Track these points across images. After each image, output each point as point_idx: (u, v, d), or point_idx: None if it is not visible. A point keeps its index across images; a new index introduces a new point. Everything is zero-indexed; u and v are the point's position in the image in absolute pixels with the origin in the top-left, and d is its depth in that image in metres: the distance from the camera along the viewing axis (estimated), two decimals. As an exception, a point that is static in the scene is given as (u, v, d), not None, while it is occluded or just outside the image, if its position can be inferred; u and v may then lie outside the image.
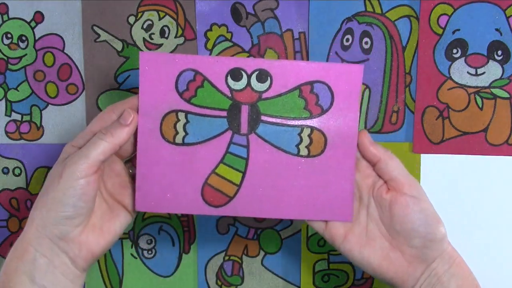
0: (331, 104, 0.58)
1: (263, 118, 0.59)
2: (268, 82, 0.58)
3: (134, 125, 0.57)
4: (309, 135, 0.58)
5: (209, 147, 0.58)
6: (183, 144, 0.58)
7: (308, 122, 0.59)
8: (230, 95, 0.58)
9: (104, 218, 0.58)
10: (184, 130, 0.58)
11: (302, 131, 0.58)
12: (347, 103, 0.58)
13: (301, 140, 0.58)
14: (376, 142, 0.59)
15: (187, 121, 0.58)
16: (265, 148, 0.59)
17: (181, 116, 0.58)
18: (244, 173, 0.59)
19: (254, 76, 0.58)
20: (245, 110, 0.58)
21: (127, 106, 0.58)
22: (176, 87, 0.58)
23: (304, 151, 0.59)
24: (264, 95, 0.58)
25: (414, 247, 0.57)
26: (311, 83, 0.58)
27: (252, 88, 0.58)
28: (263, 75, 0.58)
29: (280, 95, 0.58)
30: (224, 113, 0.58)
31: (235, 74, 0.58)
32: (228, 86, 0.58)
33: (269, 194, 0.59)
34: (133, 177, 0.60)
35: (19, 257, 0.54)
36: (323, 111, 0.58)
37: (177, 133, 0.58)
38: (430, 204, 0.57)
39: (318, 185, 0.59)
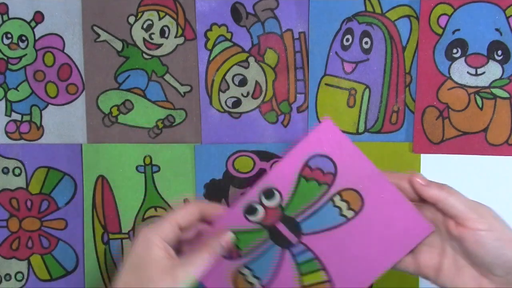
0: (335, 164, 0.59)
1: (298, 219, 0.59)
2: (277, 194, 0.59)
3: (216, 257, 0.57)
4: (342, 200, 0.59)
5: (281, 276, 0.59)
6: None
7: (332, 191, 0.59)
8: (261, 227, 0.60)
9: None
10: (255, 277, 0.60)
11: (333, 201, 0.59)
12: (345, 153, 0.58)
13: (340, 208, 0.59)
14: (430, 181, 0.57)
15: (251, 270, 0.60)
16: (322, 237, 0.59)
17: (244, 271, 0.60)
18: (324, 268, 0.59)
19: (263, 198, 0.59)
20: (281, 227, 0.60)
21: (214, 211, 0.59)
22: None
23: (350, 214, 0.59)
24: (283, 204, 0.59)
25: (499, 275, 0.55)
26: (305, 165, 0.59)
27: (270, 208, 0.59)
28: (269, 193, 0.60)
29: (293, 193, 0.59)
30: (271, 242, 0.60)
31: (251, 209, 0.60)
32: (254, 221, 0.60)
33: (357, 267, 0.58)
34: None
35: None
36: (335, 174, 0.59)
37: (251, 284, 0.60)
38: (502, 228, 0.54)
39: (383, 226, 0.58)
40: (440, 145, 0.72)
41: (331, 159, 0.59)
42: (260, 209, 0.60)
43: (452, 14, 0.70)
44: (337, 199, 0.59)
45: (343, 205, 0.59)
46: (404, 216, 0.58)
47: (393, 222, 0.58)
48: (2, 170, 0.76)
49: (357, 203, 0.59)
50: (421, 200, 0.58)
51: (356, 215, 0.59)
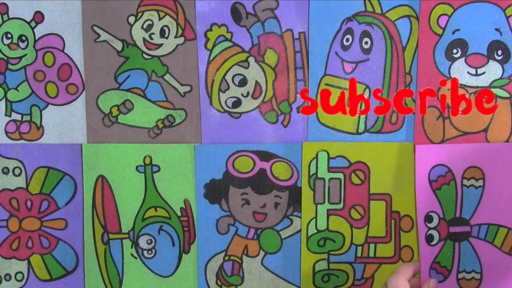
0: (445, 165, 0.70)
1: (457, 215, 0.70)
2: (434, 215, 0.70)
3: None
4: (468, 179, 0.70)
5: (489, 258, 0.70)
6: None
7: (458, 180, 0.70)
8: (443, 241, 0.71)
9: None
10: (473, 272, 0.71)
11: (466, 185, 0.70)
12: (446, 153, 0.70)
13: (473, 185, 0.70)
14: None
15: (468, 272, 0.71)
16: (481, 210, 0.70)
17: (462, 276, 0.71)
18: (501, 225, 0.69)
19: (428, 224, 0.71)
20: (455, 229, 0.70)
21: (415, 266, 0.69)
22: None
23: (480, 183, 0.69)
24: (441, 216, 0.70)
25: None
26: (430, 183, 0.70)
27: (437, 226, 0.70)
28: (428, 218, 0.70)
29: (440, 204, 0.70)
30: (458, 245, 0.71)
31: (430, 238, 0.71)
32: (436, 243, 0.71)
33: None
34: None
35: None
36: (451, 170, 0.70)
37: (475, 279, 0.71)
38: None
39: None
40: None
41: (441, 165, 0.69)
42: (434, 233, 0.70)
43: (452, 14, 0.70)
44: (465, 182, 0.69)
45: (472, 182, 0.69)
46: None
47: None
48: (2, 170, 0.76)
49: (479, 173, 0.69)
50: None
51: (485, 180, 0.69)
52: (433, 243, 0.71)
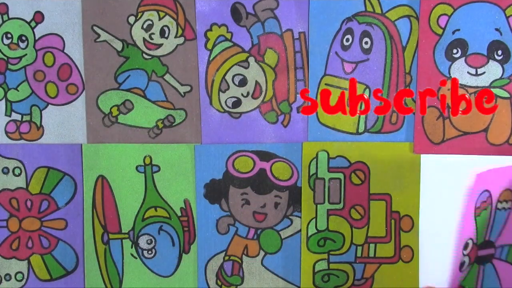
0: (488, 190, 0.69)
1: (486, 238, 0.70)
2: (469, 242, 0.70)
3: None
4: (501, 202, 0.70)
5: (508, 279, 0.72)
6: None
7: (494, 205, 0.70)
8: (471, 266, 0.70)
9: None
10: None
11: (499, 209, 0.69)
12: (488, 178, 0.69)
13: (503, 207, 0.70)
14: None
15: None
16: (506, 231, 0.70)
17: None
18: None
19: (464, 251, 0.70)
20: (482, 252, 0.70)
21: None
22: None
23: (508, 204, 0.70)
24: (474, 241, 0.70)
25: None
26: (475, 209, 0.69)
27: (469, 252, 0.70)
28: (466, 245, 0.70)
29: (476, 231, 0.70)
30: (482, 267, 0.71)
31: (462, 265, 0.70)
32: (465, 269, 0.71)
33: None
34: None
35: None
36: (491, 196, 0.69)
37: None
38: None
39: None
40: (440, 145, 0.72)
41: (485, 190, 0.69)
42: (466, 259, 0.71)
43: (452, 14, 0.70)
44: (499, 205, 0.70)
45: (504, 204, 0.69)
46: None
47: None
48: (2, 170, 0.76)
49: (509, 194, 0.70)
50: None
51: None
52: (463, 268, 0.71)
